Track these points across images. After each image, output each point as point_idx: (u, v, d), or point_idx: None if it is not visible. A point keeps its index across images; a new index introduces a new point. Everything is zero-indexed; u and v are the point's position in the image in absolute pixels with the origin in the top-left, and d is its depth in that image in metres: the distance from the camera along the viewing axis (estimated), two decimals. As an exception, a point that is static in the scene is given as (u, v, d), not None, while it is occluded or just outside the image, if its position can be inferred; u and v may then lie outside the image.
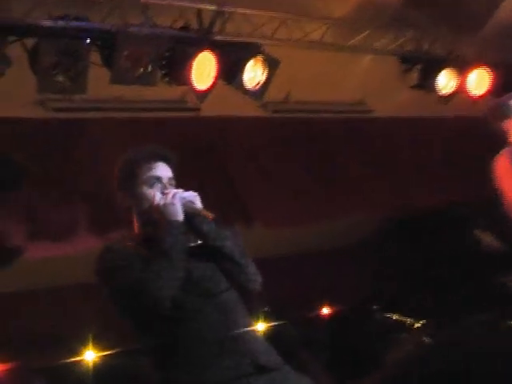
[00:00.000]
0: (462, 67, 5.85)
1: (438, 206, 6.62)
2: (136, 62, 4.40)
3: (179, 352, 2.85)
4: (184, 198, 3.00)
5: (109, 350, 5.79)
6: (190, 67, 4.64)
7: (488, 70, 5.95)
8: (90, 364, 5.84)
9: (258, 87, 5.03)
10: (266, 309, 6.62)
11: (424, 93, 5.85)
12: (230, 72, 4.87)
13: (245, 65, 4.90)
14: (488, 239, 4.82)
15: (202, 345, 2.85)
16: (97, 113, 5.07)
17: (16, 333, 5.64)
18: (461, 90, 5.88)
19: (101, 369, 5.81)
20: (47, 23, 4.11)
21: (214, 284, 2.98)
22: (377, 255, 7.42)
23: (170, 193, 3.00)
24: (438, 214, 6.90)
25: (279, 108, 5.88)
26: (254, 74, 5.00)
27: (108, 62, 4.39)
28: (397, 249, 7.40)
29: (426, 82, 5.77)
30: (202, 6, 4.63)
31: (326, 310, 7.25)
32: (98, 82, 4.40)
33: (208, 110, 5.34)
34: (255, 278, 3.04)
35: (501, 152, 4.09)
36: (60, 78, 4.20)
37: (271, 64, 5.01)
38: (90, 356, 5.86)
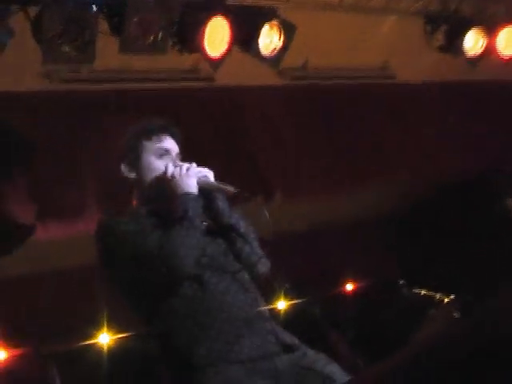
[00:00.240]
0: (491, 26, 5.78)
1: (468, 174, 6.58)
2: (146, 30, 4.38)
3: (202, 329, 2.85)
4: (199, 172, 3.02)
5: (124, 333, 5.81)
6: (203, 34, 4.61)
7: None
8: (105, 347, 5.87)
9: (274, 53, 5.00)
10: (286, 286, 6.63)
11: (451, 55, 5.79)
12: (244, 38, 4.84)
13: (260, 30, 4.86)
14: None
15: (226, 322, 2.86)
16: (105, 84, 5.05)
17: (27, 317, 5.67)
18: (490, 52, 5.81)
19: (116, 352, 5.85)
20: (50, -10, 4.10)
21: (228, 262, 3.02)
22: (403, 228, 7.39)
23: (183, 165, 3.02)
24: (467, 183, 6.86)
25: (297, 75, 5.82)
26: (269, 39, 4.96)
27: (116, 30, 4.36)
28: (424, 221, 7.37)
29: (453, 43, 5.71)
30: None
31: (349, 287, 7.25)
32: (106, 51, 4.38)
33: (222, 79, 5.30)
34: (265, 261, 3.10)
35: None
36: (66, 48, 4.18)
37: (288, 29, 4.96)
38: (105, 339, 5.88)
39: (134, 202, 3.12)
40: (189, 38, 4.65)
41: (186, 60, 5.08)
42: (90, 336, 5.82)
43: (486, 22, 5.74)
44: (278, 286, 6.48)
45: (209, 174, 3.08)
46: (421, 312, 6.11)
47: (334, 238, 7.08)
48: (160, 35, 4.47)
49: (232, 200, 3.09)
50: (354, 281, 7.18)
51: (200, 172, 3.06)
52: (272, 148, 5.67)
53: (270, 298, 6.26)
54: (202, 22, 4.61)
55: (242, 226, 3.11)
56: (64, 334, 5.62)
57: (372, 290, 7.06)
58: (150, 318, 2.96)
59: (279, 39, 4.97)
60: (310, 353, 3.00)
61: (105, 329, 5.80)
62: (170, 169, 3.05)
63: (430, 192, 7.39)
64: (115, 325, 5.75)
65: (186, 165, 3.05)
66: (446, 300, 5.98)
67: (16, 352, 5.53)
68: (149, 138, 3.12)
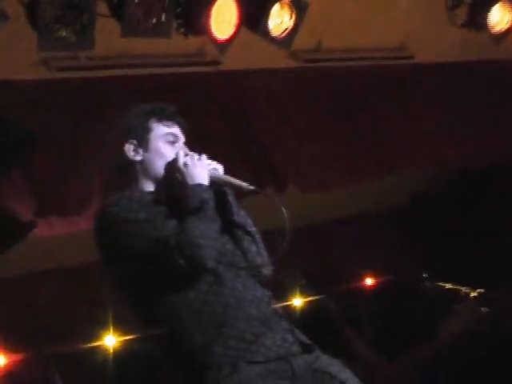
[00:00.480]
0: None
1: (495, 160, 6.53)
2: (148, 12, 4.36)
3: (218, 326, 2.84)
4: (209, 165, 3.02)
5: (131, 335, 5.81)
6: (209, 15, 4.58)
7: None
8: (110, 350, 5.87)
9: (285, 34, 4.97)
10: (302, 282, 6.62)
11: (474, 32, 5.75)
12: (253, 18, 4.80)
13: (270, 9, 4.82)
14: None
15: (243, 319, 2.86)
16: (106, 70, 5.03)
17: (27, 318, 5.68)
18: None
19: (122, 355, 5.85)
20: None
21: (237, 259, 3.02)
22: (425, 218, 7.37)
23: (194, 155, 3.01)
24: (494, 169, 6.82)
25: (310, 57, 5.78)
26: (280, 19, 4.93)
27: (117, 12, 4.34)
28: (447, 211, 7.34)
29: (477, 19, 5.66)
30: None
31: (369, 281, 7.22)
32: (106, 35, 4.35)
33: (230, 62, 5.26)
34: (269, 263, 3.10)
35: None
36: (63, 33, 4.17)
37: (299, 7, 4.93)
38: (110, 341, 5.88)
39: (138, 188, 3.06)
40: (194, 19, 4.62)
41: (192, 43, 5.05)
42: (95, 338, 5.82)
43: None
44: (294, 283, 6.47)
45: (219, 168, 3.07)
46: (445, 306, 6.10)
47: (351, 231, 7.06)
48: (163, 17, 4.45)
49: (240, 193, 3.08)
50: (374, 275, 7.16)
51: (210, 164, 3.04)
52: (284, 136, 5.63)
53: (283, 295, 6.27)
54: (208, 3, 4.58)
55: (250, 224, 3.12)
56: (67, 336, 5.63)
57: (393, 284, 7.04)
58: (159, 315, 2.92)
59: (290, 19, 4.94)
60: (324, 357, 3.02)
61: (110, 330, 5.80)
62: (181, 157, 3.01)
63: (454, 179, 7.36)
64: (121, 326, 5.75)
65: (196, 155, 3.03)
66: (472, 294, 5.96)
67: (17, 355, 5.54)
68: (159, 121, 3.09)
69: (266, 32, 4.87)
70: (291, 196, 5.33)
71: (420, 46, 6.15)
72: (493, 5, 5.64)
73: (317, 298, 6.64)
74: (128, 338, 5.82)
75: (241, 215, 3.10)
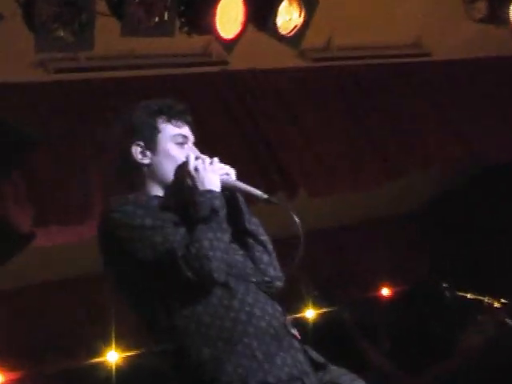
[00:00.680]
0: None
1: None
2: (150, 10, 4.35)
3: (228, 343, 2.81)
4: (221, 169, 2.98)
5: (135, 350, 5.81)
6: (214, 12, 4.57)
7: None
8: (113, 366, 5.87)
9: (294, 32, 4.96)
10: (314, 293, 6.61)
11: (493, 27, 5.72)
12: (260, 16, 4.79)
13: (278, 6, 4.81)
14: None
15: (255, 336, 2.83)
16: (106, 72, 5.03)
17: (27, 332, 5.68)
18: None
19: (125, 371, 5.84)
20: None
21: (248, 271, 2.99)
22: (443, 223, 7.35)
23: (206, 158, 2.97)
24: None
25: (320, 56, 5.80)
26: (289, 16, 4.92)
27: (117, 11, 4.33)
28: (467, 214, 7.32)
29: (496, 13, 5.64)
30: None
31: (385, 291, 7.21)
32: (106, 35, 4.34)
33: (237, 62, 5.27)
34: (281, 275, 3.07)
35: None
36: (61, 33, 4.16)
37: (309, 4, 4.92)
38: (113, 357, 5.87)
39: (144, 192, 3.03)
40: (198, 17, 4.61)
41: (196, 42, 5.05)
42: (97, 353, 5.81)
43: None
44: (306, 293, 6.47)
45: (231, 173, 3.03)
46: (467, 317, 6.07)
47: (366, 237, 7.05)
48: (166, 16, 4.45)
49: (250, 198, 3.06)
50: (390, 285, 7.15)
51: (222, 169, 2.99)
52: (293, 138, 5.63)
53: (296, 306, 6.27)
54: (213, 0, 4.57)
55: (262, 232, 3.08)
56: (68, 352, 5.63)
57: (412, 294, 7.03)
58: (165, 330, 2.88)
59: (299, 16, 4.93)
60: (334, 368, 3.00)
61: (113, 345, 5.80)
62: (192, 161, 2.96)
63: (473, 186, 7.34)
64: (124, 341, 5.75)
65: (208, 158, 2.98)
66: (495, 304, 5.93)
67: (16, 373, 5.54)
68: (167, 121, 3.04)
69: (274, 30, 4.86)
70: (302, 200, 5.34)
71: (436, 43, 6.16)
72: (514, -2, 5.66)
73: (330, 309, 6.64)
74: (131, 353, 5.83)
75: (252, 222, 3.06)
